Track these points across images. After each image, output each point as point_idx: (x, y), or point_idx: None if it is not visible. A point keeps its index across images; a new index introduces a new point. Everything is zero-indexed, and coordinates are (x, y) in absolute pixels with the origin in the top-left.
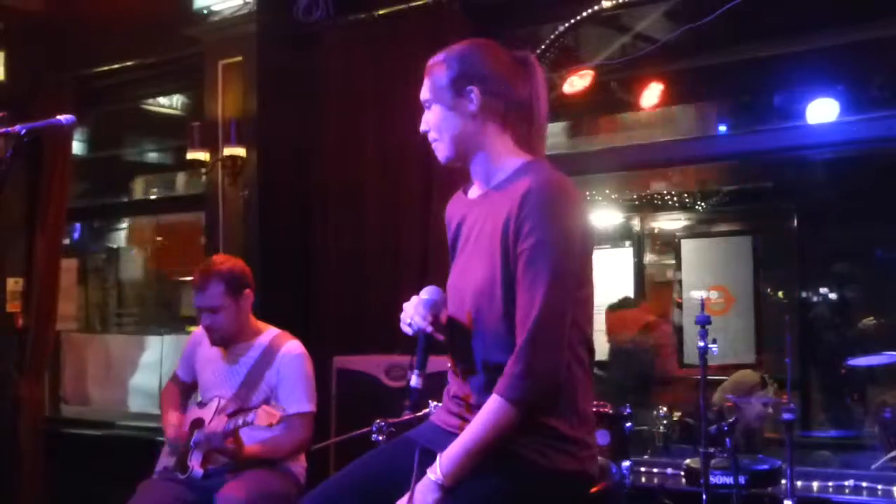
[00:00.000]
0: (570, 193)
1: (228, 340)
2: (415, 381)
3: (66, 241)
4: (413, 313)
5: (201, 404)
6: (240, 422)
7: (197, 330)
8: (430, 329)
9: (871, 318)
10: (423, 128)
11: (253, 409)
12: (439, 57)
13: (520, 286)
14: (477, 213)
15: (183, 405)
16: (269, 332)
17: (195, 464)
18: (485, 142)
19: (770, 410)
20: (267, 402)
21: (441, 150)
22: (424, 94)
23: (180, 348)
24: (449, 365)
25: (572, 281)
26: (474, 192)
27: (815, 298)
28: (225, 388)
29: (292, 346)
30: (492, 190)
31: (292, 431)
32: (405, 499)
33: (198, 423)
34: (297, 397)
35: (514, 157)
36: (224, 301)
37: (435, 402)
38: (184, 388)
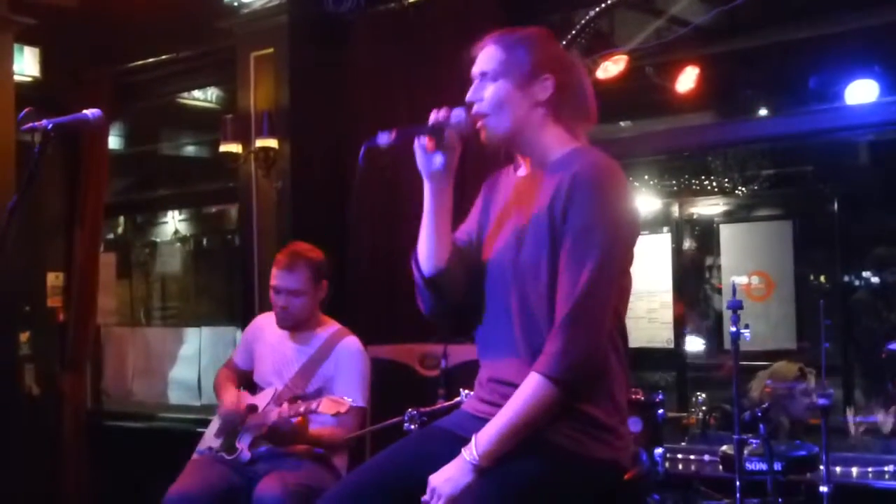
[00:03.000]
0: (621, 180)
1: (297, 326)
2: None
3: (111, 236)
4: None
5: (255, 390)
6: (301, 409)
7: (258, 319)
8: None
9: None
10: (472, 96)
11: (310, 398)
12: (513, 34)
13: (563, 265)
14: (522, 191)
15: (238, 387)
16: (332, 327)
17: (243, 446)
18: (539, 130)
19: (817, 400)
20: (321, 392)
21: (493, 128)
22: (488, 64)
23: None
24: (480, 351)
25: (617, 267)
26: (522, 171)
27: (856, 283)
28: (282, 376)
29: (351, 342)
30: (540, 170)
31: (345, 424)
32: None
33: (251, 409)
34: (353, 392)
35: (563, 143)
36: (306, 286)
37: (466, 391)
38: (238, 375)
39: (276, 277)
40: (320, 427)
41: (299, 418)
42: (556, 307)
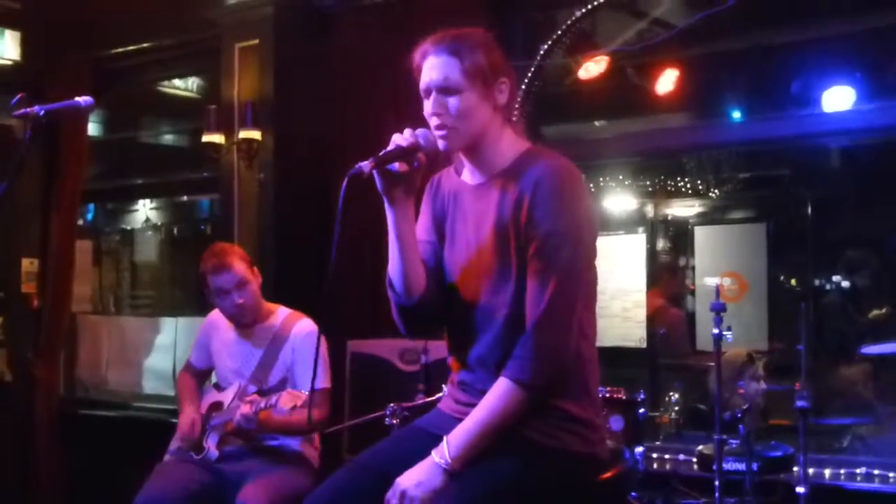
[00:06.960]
0: (580, 181)
1: (253, 319)
2: (366, 166)
3: (80, 222)
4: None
5: (219, 388)
6: (262, 405)
7: (211, 315)
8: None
9: (885, 307)
10: (436, 110)
11: (274, 391)
12: (462, 40)
13: (531, 270)
14: (478, 198)
15: (199, 393)
16: (281, 312)
17: (211, 445)
18: (494, 133)
19: (764, 385)
20: (284, 381)
21: (454, 139)
22: (447, 77)
23: (193, 331)
24: (449, 352)
25: (583, 267)
26: (468, 176)
27: (828, 286)
28: (243, 372)
29: (305, 325)
30: (495, 177)
31: (312, 408)
32: (404, 478)
33: (216, 407)
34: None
35: (514, 145)
36: (247, 275)
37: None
38: (198, 376)
39: (217, 281)
40: (286, 414)
41: (262, 412)
42: (526, 312)
